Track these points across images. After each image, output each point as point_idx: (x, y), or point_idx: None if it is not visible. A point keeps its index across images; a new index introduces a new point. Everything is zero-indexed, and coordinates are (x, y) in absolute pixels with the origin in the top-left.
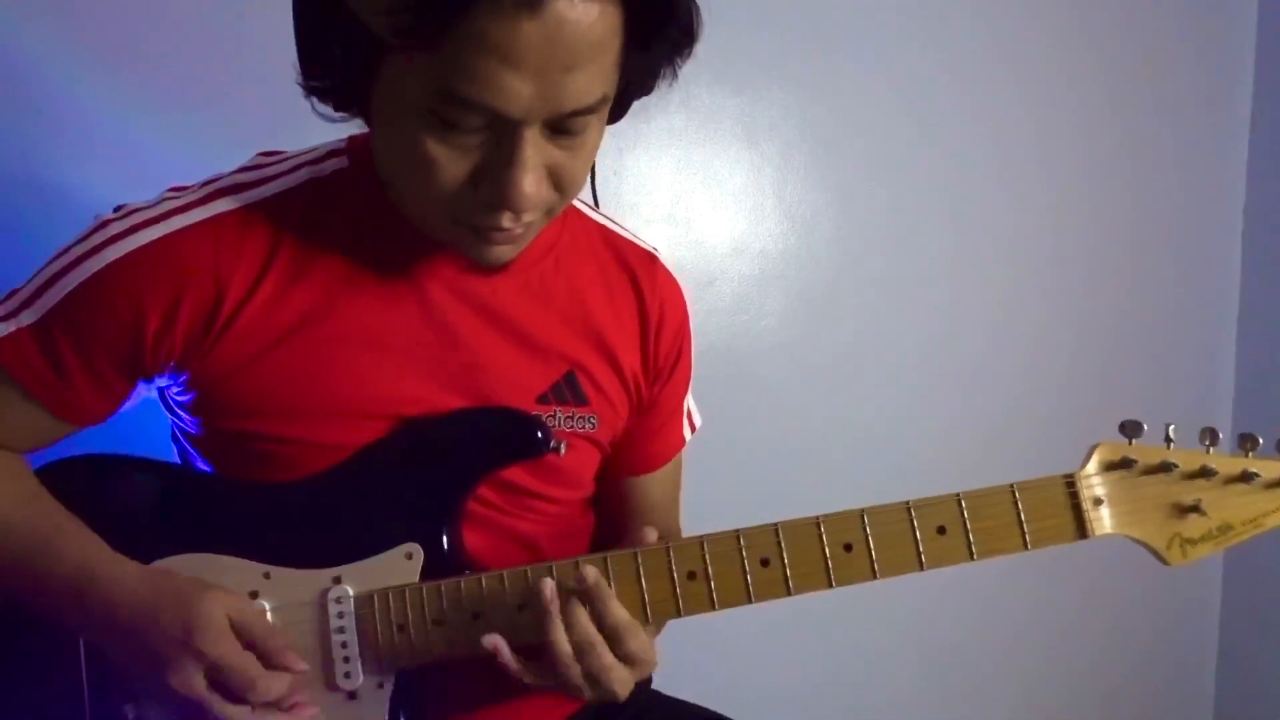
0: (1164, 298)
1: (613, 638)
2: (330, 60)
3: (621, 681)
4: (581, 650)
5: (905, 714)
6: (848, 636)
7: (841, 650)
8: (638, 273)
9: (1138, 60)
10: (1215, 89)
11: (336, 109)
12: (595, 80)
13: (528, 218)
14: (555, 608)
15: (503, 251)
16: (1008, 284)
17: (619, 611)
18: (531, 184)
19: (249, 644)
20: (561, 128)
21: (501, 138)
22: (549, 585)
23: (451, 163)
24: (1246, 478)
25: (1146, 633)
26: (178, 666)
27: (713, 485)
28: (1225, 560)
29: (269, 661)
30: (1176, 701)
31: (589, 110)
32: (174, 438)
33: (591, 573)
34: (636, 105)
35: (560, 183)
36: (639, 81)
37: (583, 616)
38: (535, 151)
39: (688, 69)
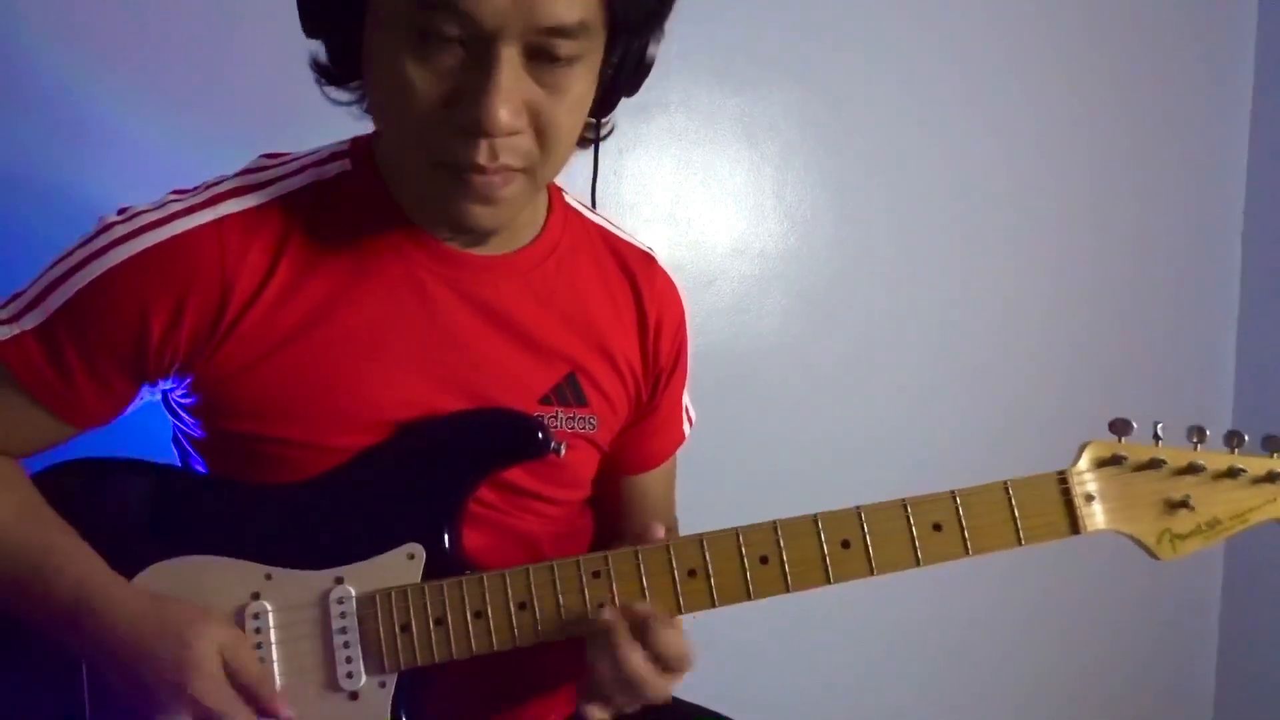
0: (1165, 298)
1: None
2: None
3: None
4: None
5: (907, 715)
6: (849, 638)
7: (843, 652)
8: (636, 274)
9: (1138, 59)
10: (1215, 89)
11: (335, 68)
12: (575, 1)
13: (505, 158)
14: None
15: (481, 213)
16: (1008, 283)
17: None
18: (507, 112)
19: (240, 686)
20: (541, 51)
21: (478, 58)
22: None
23: (427, 84)
24: (1233, 473)
25: (1146, 633)
26: (170, 709)
27: (712, 485)
28: (1225, 560)
29: (259, 708)
30: (1176, 701)
31: (567, 33)
32: (175, 440)
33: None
34: (637, 105)
35: (540, 127)
36: (631, 31)
37: (637, 656)
38: (512, 78)
39: (688, 69)
